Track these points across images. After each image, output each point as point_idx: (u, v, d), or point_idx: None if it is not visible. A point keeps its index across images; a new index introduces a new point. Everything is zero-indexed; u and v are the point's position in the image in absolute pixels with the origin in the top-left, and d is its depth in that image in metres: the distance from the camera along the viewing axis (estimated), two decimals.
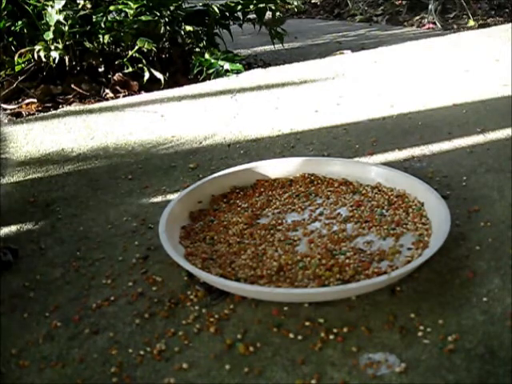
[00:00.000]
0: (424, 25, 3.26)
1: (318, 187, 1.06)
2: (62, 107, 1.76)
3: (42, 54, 1.84)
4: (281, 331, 0.72)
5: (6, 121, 1.44)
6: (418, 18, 3.41)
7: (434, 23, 3.23)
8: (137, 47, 1.93)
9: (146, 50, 1.96)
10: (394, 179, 1.03)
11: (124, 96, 1.86)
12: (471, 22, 3.19)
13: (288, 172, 1.09)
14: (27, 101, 1.84)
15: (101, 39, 1.95)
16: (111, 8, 1.92)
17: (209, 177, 1.07)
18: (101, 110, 1.59)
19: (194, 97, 1.65)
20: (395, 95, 1.56)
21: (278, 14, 2.28)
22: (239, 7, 2.15)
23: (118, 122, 1.49)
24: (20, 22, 1.90)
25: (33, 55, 1.87)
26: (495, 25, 2.97)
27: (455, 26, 3.18)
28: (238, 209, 1.00)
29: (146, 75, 1.92)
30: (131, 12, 1.90)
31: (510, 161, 1.14)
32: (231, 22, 2.20)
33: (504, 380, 0.64)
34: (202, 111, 1.55)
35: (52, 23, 1.81)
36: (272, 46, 2.30)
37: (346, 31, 3.21)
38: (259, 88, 1.70)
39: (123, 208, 1.05)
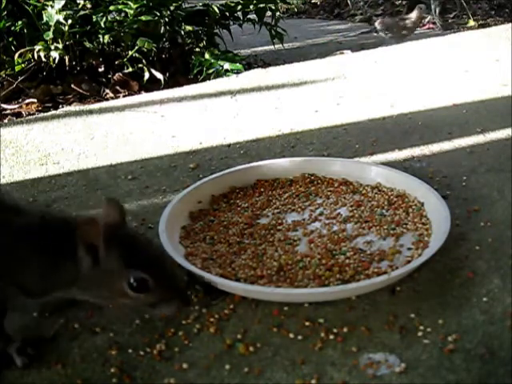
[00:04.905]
0: (424, 25, 3.26)
1: (317, 187, 1.06)
2: (62, 107, 1.76)
3: (41, 53, 1.84)
4: (281, 331, 0.72)
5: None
6: None
7: (434, 23, 3.23)
8: (137, 47, 1.93)
9: (145, 50, 1.96)
10: (393, 179, 1.03)
11: (124, 96, 1.86)
12: (471, 22, 3.19)
13: (288, 172, 1.09)
14: (27, 101, 1.84)
15: (101, 39, 1.95)
16: (111, 8, 1.92)
17: (209, 177, 1.07)
18: (101, 110, 1.59)
19: (193, 97, 1.65)
20: (395, 95, 1.56)
21: (277, 14, 2.28)
22: (239, 7, 2.15)
23: (117, 122, 1.49)
24: (20, 22, 1.90)
25: (33, 55, 1.87)
26: (495, 25, 2.96)
27: (455, 26, 3.18)
28: (238, 209, 1.00)
29: (146, 75, 1.92)
30: (131, 12, 1.90)
31: (510, 161, 1.14)
32: (231, 22, 2.20)
33: (504, 380, 0.64)
34: (202, 111, 1.55)
35: (52, 23, 1.82)
36: (272, 46, 2.30)
37: (345, 31, 3.21)
38: (259, 88, 1.70)
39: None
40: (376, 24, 2.83)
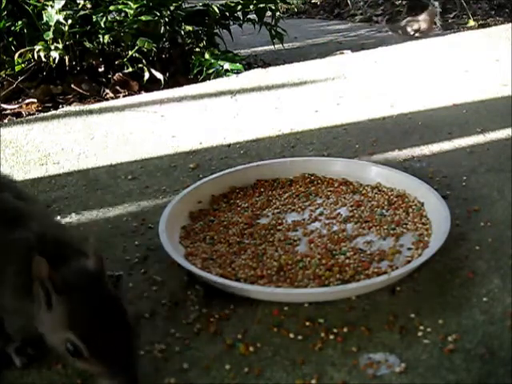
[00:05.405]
0: None
1: (317, 187, 1.06)
2: (62, 107, 1.76)
3: (41, 53, 1.84)
4: (281, 331, 0.72)
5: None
6: None
7: (434, 23, 3.23)
8: (137, 47, 1.93)
9: (145, 50, 1.95)
10: (393, 179, 1.03)
11: (124, 96, 1.86)
12: (471, 22, 3.19)
13: (288, 172, 1.09)
14: (27, 101, 1.83)
15: (101, 39, 1.95)
16: (111, 8, 1.92)
17: (209, 177, 1.07)
18: (101, 110, 1.59)
19: (194, 97, 1.65)
20: (395, 95, 1.56)
21: (277, 14, 2.27)
22: (239, 7, 2.15)
23: (117, 122, 1.49)
24: (20, 22, 1.90)
25: (33, 55, 1.87)
26: (495, 25, 2.96)
27: (455, 26, 3.18)
28: (238, 209, 1.00)
29: (146, 75, 1.92)
30: (131, 12, 1.90)
31: (510, 161, 1.14)
32: (231, 22, 2.20)
33: (504, 380, 0.64)
34: (202, 111, 1.55)
35: (52, 23, 1.81)
36: (272, 46, 2.30)
37: (345, 31, 3.21)
38: (259, 88, 1.70)
39: (123, 208, 1.05)
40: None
